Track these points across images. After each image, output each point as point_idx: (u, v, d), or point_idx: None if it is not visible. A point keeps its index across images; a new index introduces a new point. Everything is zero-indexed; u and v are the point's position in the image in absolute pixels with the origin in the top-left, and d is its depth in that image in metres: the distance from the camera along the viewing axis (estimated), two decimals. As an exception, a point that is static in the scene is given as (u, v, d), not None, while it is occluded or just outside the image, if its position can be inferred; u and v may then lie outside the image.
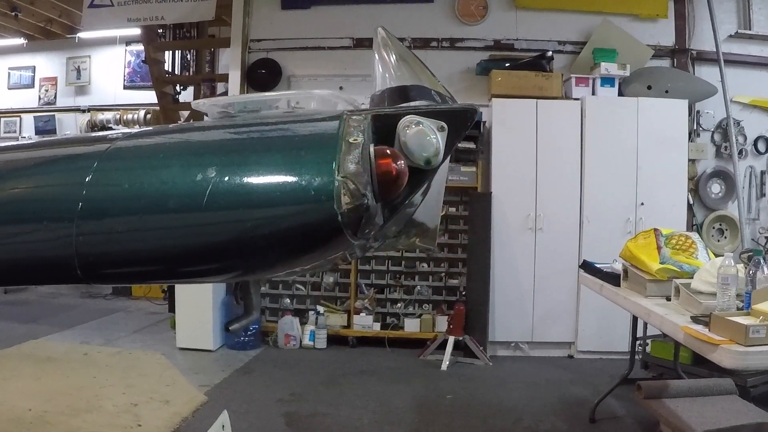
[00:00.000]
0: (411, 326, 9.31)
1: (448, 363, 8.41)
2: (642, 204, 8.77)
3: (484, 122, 9.24)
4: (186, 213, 1.70)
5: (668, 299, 4.82)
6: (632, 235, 6.95)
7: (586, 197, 8.85)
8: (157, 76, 11.38)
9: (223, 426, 3.33)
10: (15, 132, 14.38)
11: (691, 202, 9.45)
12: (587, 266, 6.37)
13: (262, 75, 10.02)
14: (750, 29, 9.74)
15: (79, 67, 14.36)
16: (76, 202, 1.75)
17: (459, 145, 8.85)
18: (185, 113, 11.57)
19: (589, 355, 8.89)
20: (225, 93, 10.41)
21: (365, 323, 9.34)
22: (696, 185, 9.59)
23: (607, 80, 9.09)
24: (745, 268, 4.32)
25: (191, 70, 12.39)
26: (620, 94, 9.15)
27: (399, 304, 9.52)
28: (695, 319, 4.10)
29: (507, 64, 9.40)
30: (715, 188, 9.65)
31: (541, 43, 9.77)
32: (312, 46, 10.07)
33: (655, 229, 5.38)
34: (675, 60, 9.75)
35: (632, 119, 8.83)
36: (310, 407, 6.93)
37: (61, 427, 6.14)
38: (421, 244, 2.88)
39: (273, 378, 7.92)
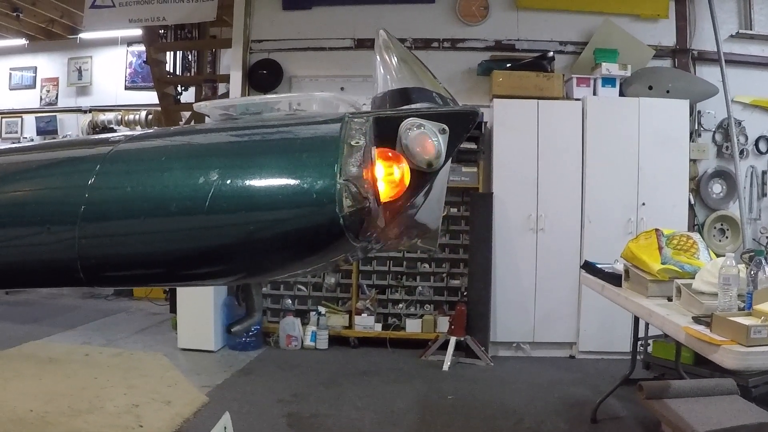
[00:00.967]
0: (412, 327, 9.31)
1: (449, 363, 8.41)
2: (643, 204, 8.77)
3: (486, 123, 9.23)
4: (188, 216, 1.70)
5: (670, 299, 4.82)
6: (633, 235, 6.95)
7: (588, 197, 8.85)
8: (159, 77, 11.38)
9: (225, 428, 3.33)
10: (16, 133, 14.39)
11: (693, 202, 9.44)
12: (588, 267, 6.37)
13: (264, 76, 10.02)
14: (751, 29, 9.74)
15: (80, 67, 14.36)
16: (79, 205, 1.75)
17: (460, 145, 8.92)
18: (187, 114, 11.58)
19: (590, 356, 8.89)
20: (226, 93, 10.41)
21: (367, 324, 9.34)
22: (697, 185, 9.59)
23: (608, 80, 9.09)
24: (747, 268, 4.31)
25: (192, 70, 12.40)
26: (621, 94, 9.14)
27: (400, 305, 9.52)
28: (697, 320, 4.10)
29: (508, 65, 9.39)
30: (717, 188, 9.65)
31: (542, 43, 9.77)
32: (313, 46, 10.07)
33: (657, 230, 5.38)
34: (676, 60, 9.75)
35: (633, 119, 8.83)
36: (312, 408, 6.93)
37: (62, 427, 6.14)
38: (422, 245, 2.88)
39: (274, 379, 7.92)
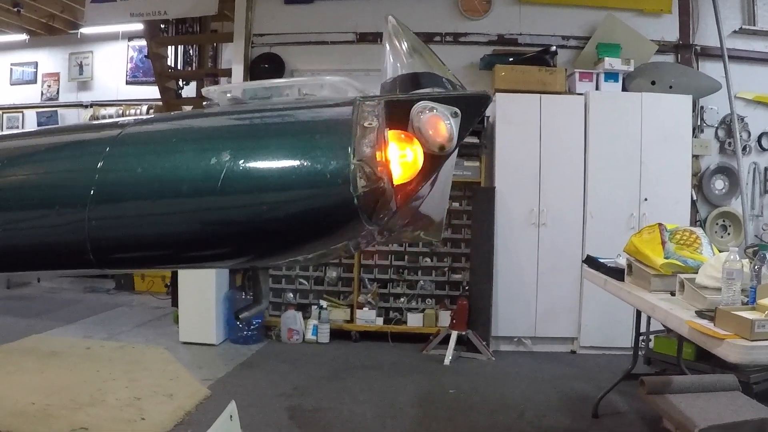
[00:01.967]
0: (414, 321, 9.31)
1: (450, 358, 8.40)
2: (645, 200, 8.75)
3: (488, 117, 9.21)
4: (200, 197, 1.70)
5: (673, 294, 4.82)
6: (635, 230, 6.97)
7: (590, 192, 8.84)
8: (160, 72, 11.38)
9: (231, 416, 3.32)
10: (17, 128, 14.38)
11: (695, 198, 9.45)
12: (591, 261, 6.37)
13: (265, 69, 10.00)
14: (754, 25, 9.73)
15: (81, 62, 14.39)
16: (89, 187, 1.75)
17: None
18: (188, 108, 11.56)
19: (592, 351, 8.89)
20: (229, 87, 10.40)
21: (368, 318, 9.33)
22: (699, 181, 9.59)
23: (611, 75, 9.08)
24: (750, 263, 4.31)
25: (194, 65, 12.40)
26: (624, 89, 9.14)
27: (402, 299, 9.52)
28: (700, 314, 4.09)
29: (511, 59, 9.38)
30: (719, 184, 9.65)
31: (544, 38, 9.75)
32: (315, 40, 10.06)
33: (660, 224, 5.38)
34: (679, 55, 9.74)
35: (636, 115, 8.82)
36: (313, 401, 6.93)
37: (64, 421, 6.15)
38: (426, 237, 2.87)
39: (276, 372, 7.92)
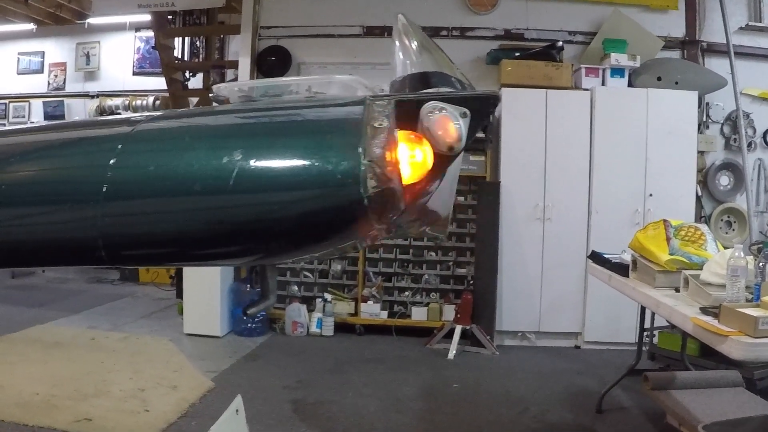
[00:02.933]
0: (418, 315, 9.33)
1: (455, 352, 8.42)
2: (650, 195, 8.76)
3: (494, 111, 9.20)
4: (212, 195, 1.70)
5: (677, 290, 4.82)
6: (640, 226, 6.97)
7: (595, 188, 8.84)
8: (167, 63, 11.38)
9: (237, 410, 3.33)
10: (24, 117, 14.40)
11: (700, 194, 9.45)
12: (596, 256, 6.37)
13: (272, 62, 10.01)
14: (761, 21, 9.73)
15: (88, 52, 14.36)
16: (101, 184, 1.75)
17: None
18: (194, 100, 11.57)
19: (595, 346, 8.89)
20: (235, 80, 10.40)
21: (372, 311, 9.36)
22: (705, 177, 9.59)
23: (617, 71, 9.08)
24: (755, 259, 4.32)
25: (201, 56, 12.39)
26: (630, 85, 9.14)
27: (406, 293, 9.53)
28: (704, 311, 4.10)
29: (517, 54, 9.39)
30: (724, 180, 9.65)
31: (551, 33, 9.77)
32: (322, 33, 10.07)
33: (665, 220, 5.37)
34: (685, 51, 9.75)
35: (642, 110, 8.82)
36: (317, 394, 6.95)
37: (68, 411, 6.17)
38: (431, 232, 2.88)
39: (280, 365, 7.94)
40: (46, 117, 14.10)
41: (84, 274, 13.41)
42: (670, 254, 5.04)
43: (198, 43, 12.37)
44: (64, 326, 9.33)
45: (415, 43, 2.29)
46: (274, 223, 1.69)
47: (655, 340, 8.00)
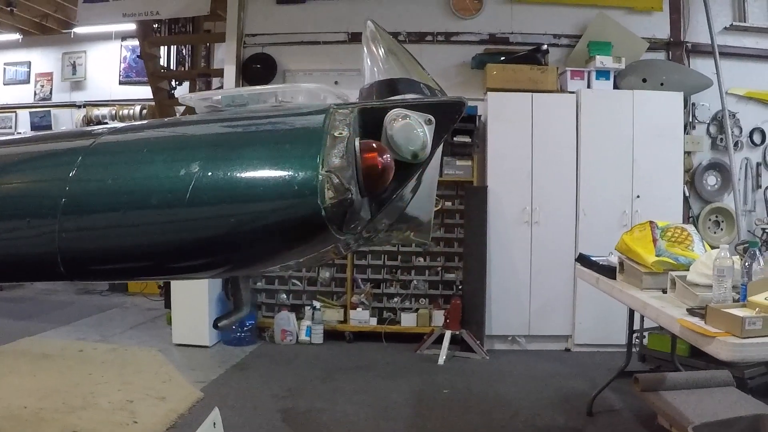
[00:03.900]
0: (408, 321, 9.32)
1: (445, 357, 8.40)
2: (638, 197, 8.76)
3: (480, 116, 9.23)
4: (169, 209, 1.70)
5: (664, 292, 4.82)
6: (628, 227, 6.96)
7: (582, 190, 8.84)
8: (153, 72, 11.38)
9: (214, 423, 3.31)
10: (10, 128, 14.39)
11: (687, 194, 9.46)
12: (583, 259, 6.37)
13: (258, 70, 10.00)
14: (745, 21, 9.75)
15: (74, 62, 14.37)
16: (60, 197, 1.75)
17: (455, 139, 8.90)
18: (181, 108, 11.55)
19: (586, 348, 8.89)
20: (220, 88, 10.41)
21: (362, 318, 9.33)
22: (692, 177, 9.61)
23: (603, 73, 9.08)
24: (741, 259, 4.32)
25: (187, 65, 12.40)
26: (615, 87, 9.15)
27: (395, 299, 9.51)
28: (691, 312, 4.10)
29: (502, 58, 9.38)
30: (711, 180, 9.67)
31: (536, 36, 9.76)
32: (307, 40, 10.05)
33: (651, 222, 5.38)
34: (670, 53, 9.75)
35: (628, 112, 8.83)
36: (307, 403, 6.92)
37: (56, 424, 6.13)
38: (415, 238, 2.87)
39: (269, 374, 7.91)
40: (33, 127, 14.11)
41: (72, 286, 13.39)
42: (657, 255, 5.04)
43: (184, 51, 12.38)
44: (53, 338, 9.30)
45: (383, 49, 2.28)
46: (232, 236, 1.68)
47: (645, 341, 8.00)
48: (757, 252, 4.30)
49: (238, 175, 1.67)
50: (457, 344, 8.74)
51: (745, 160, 9.76)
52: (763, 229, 9.36)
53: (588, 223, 8.79)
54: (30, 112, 14.39)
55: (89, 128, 2.17)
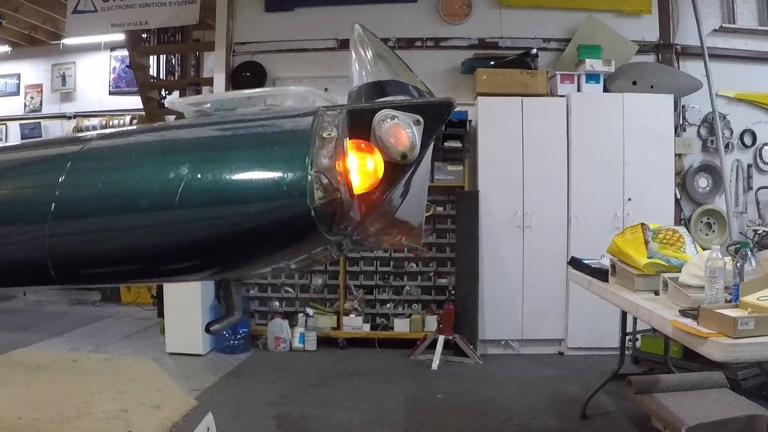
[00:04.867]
0: (401, 326, 9.32)
1: (438, 362, 8.40)
2: (629, 199, 8.77)
3: (470, 121, 9.24)
4: (158, 211, 1.70)
5: (656, 293, 4.83)
6: (620, 230, 6.96)
7: (574, 194, 8.85)
8: (143, 81, 11.35)
9: (208, 428, 3.30)
10: (1, 140, 14.35)
11: (679, 196, 9.48)
12: (575, 262, 6.38)
13: (247, 78, 9.98)
14: (734, 23, 9.78)
15: (64, 73, 14.36)
16: (49, 203, 1.75)
17: (445, 144, 8.89)
18: (171, 118, 11.53)
19: (579, 352, 8.90)
20: (210, 96, 10.40)
21: (355, 324, 9.34)
22: (683, 180, 9.62)
23: (592, 76, 9.09)
24: (733, 260, 4.33)
25: (176, 74, 12.38)
26: (605, 90, 9.16)
27: (388, 305, 9.51)
28: (684, 313, 4.10)
29: (492, 63, 9.40)
30: (702, 182, 9.68)
31: (525, 40, 9.78)
32: (296, 48, 10.05)
33: (642, 224, 5.39)
34: (659, 55, 9.77)
35: (618, 115, 8.84)
36: (301, 409, 6.92)
37: (51, 434, 6.10)
38: (406, 243, 2.87)
39: (263, 381, 7.91)
40: (23, 139, 14.06)
41: (65, 296, 13.39)
42: (649, 257, 5.05)
43: (173, 60, 12.37)
44: (46, 349, 9.26)
45: (371, 52, 2.28)
46: (222, 238, 1.68)
47: (638, 344, 8.00)
48: (749, 253, 4.31)
49: (227, 177, 1.67)
50: (450, 349, 8.73)
51: (736, 162, 9.79)
52: (755, 231, 9.37)
53: (580, 226, 8.80)
54: (20, 124, 14.39)
55: (78, 134, 2.17)
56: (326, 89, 9.55)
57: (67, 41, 13.56)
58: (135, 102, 12.35)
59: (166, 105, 3.43)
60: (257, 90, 2.29)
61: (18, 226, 1.80)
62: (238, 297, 2.16)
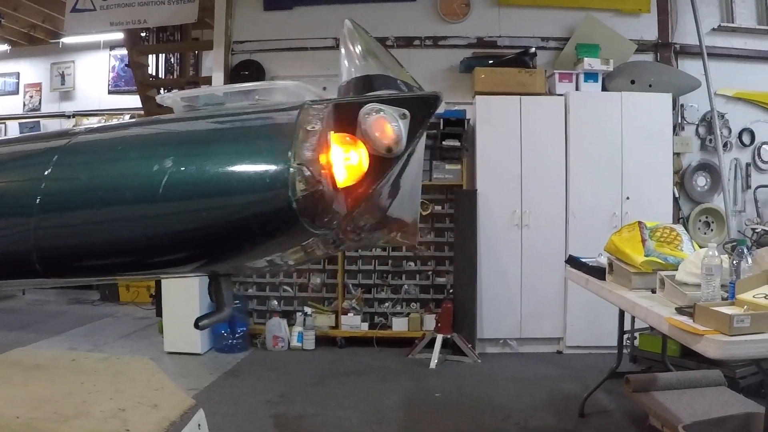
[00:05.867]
0: (399, 325, 9.31)
1: (436, 361, 8.40)
2: (628, 198, 8.77)
3: (468, 120, 9.23)
4: (142, 204, 1.71)
5: (653, 291, 4.82)
6: (618, 229, 6.97)
7: (572, 193, 8.86)
8: (141, 80, 11.35)
9: (199, 425, 3.30)
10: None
11: (677, 195, 9.48)
12: (573, 261, 6.38)
13: (246, 76, 9.97)
14: (733, 22, 9.78)
15: (63, 72, 14.37)
16: (35, 196, 1.75)
17: (444, 143, 8.89)
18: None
19: (578, 351, 8.89)
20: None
21: (353, 323, 9.33)
22: (681, 179, 9.63)
23: (591, 75, 9.09)
24: (730, 258, 4.32)
25: (175, 73, 12.37)
26: (604, 89, 9.16)
27: (386, 304, 9.50)
28: (680, 311, 4.10)
29: (490, 62, 9.40)
30: (701, 181, 9.68)
31: (524, 39, 9.78)
32: (295, 47, 10.04)
33: (640, 222, 5.38)
34: (658, 54, 9.77)
35: (616, 114, 8.84)
36: (299, 408, 6.91)
37: (48, 434, 6.10)
38: (402, 240, 2.86)
39: (261, 380, 7.91)
40: (23, 138, 14.04)
41: (64, 296, 13.39)
42: (646, 256, 5.05)
43: (172, 59, 12.36)
44: (45, 348, 9.26)
45: (360, 47, 2.29)
46: (205, 229, 1.69)
47: (636, 342, 8.00)
48: (745, 250, 4.31)
49: (210, 169, 1.69)
50: (448, 348, 8.73)
51: (734, 161, 9.79)
52: (753, 230, 9.36)
53: (578, 225, 8.80)
54: (19, 123, 14.39)
55: (66, 128, 2.18)
56: (324, 88, 9.51)
57: (66, 40, 13.57)
58: (134, 101, 12.35)
59: (157, 100, 3.41)
60: (246, 84, 2.29)
61: (4, 219, 1.80)
62: (228, 293, 2.16)
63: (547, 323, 9.02)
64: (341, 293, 9.49)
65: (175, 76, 12.35)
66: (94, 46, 13.76)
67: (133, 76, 11.53)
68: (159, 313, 9.93)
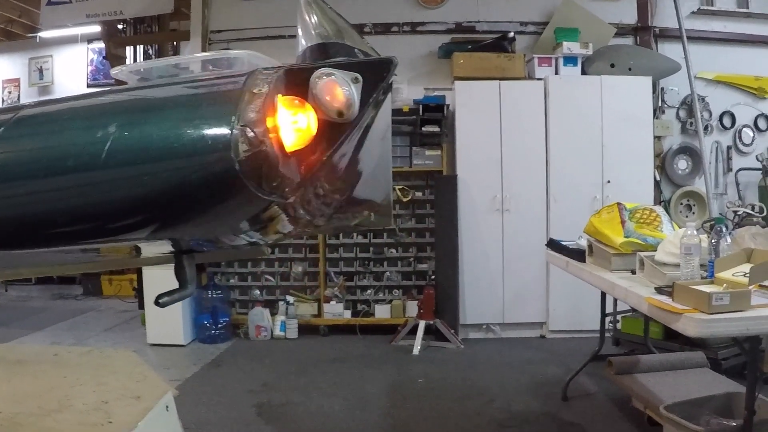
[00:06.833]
0: (382, 312, 9.30)
1: (419, 347, 8.40)
2: (608, 182, 8.77)
3: (448, 105, 9.23)
4: (86, 171, 1.69)
5: (633, 273, 4.83)
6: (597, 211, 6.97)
7: (552, 177, 8.86)
8: (120, 73, 11.27)
9: (167, 407, 3.27)
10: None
11: (658, 178, 9.50)
12: (553, 244, 6.39)
13: (223, 66, 9.93)
14: (712, 5, 9.81)
15: (41, 67, 14.28)
16: None
17: (423, 129, 8.86)
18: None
19: (560, 335, 8.91)
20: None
21: (336, 311, 9.32)
22: (662, 162, 9.64)
23: (570, 59, 9.09)
24: (708, 237, 4.32)
25: (154, 65, 12.30)
26: (583, 72, 9.15)
27: (369, 291, 9.48)
28: (659, 290, 4.09)
29: (469, 47, 9.38)
30: (682, 164, 9.69)
31: (502, 24, 9.76)
32: (272, 35, 9.97)
33: (619, 204, 5.39)
34: (638, 37, 9.77)
35: (596, 97, 8.84)
36: (282, 397, 6.91)
37: (31, 428, 6.06)
38: (376, 221, 2.84)
39: (244, 370, 7.89)
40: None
41: (47, 291, 13.34)
42: (625, 237, 5.05)
43: (150, 51, 12.29)
44: (28, 343, 9.22)
45: (316, 17, 2.27)
46: (150, 194, 1.67)
47: (619, 325, 8.02)
48: (724, 229, 4.31)
49: (154, 134, 1.67)
50: (431, 334, 8.74)
51: (715, 144, 9.81)
52: (735, 212, 9.35)
53: (559, 209, 8.80)
54: (-2, 118, 14.30)
55: (14, 104, 2.17)
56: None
57: (43, 34, 13.47)
58: (113, 93, 12.28)
59: (111, 74, 3.42)
60: (198, 55, 2.30)
61: None
62: (191, 271, 2.14)
63: (529, 308, 9.03)
64: (323, 281, 9.47)
65: (153, 68, 12.28)
66: (71, 40, 13.65)
67: (112, 69, 11.46)
68: (141, 306, 9.90)
